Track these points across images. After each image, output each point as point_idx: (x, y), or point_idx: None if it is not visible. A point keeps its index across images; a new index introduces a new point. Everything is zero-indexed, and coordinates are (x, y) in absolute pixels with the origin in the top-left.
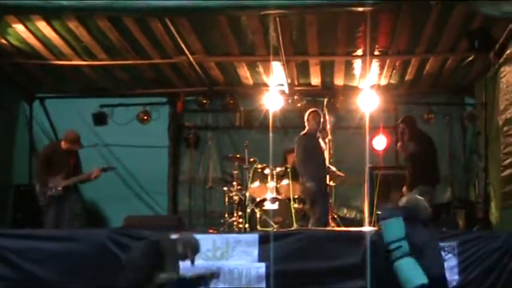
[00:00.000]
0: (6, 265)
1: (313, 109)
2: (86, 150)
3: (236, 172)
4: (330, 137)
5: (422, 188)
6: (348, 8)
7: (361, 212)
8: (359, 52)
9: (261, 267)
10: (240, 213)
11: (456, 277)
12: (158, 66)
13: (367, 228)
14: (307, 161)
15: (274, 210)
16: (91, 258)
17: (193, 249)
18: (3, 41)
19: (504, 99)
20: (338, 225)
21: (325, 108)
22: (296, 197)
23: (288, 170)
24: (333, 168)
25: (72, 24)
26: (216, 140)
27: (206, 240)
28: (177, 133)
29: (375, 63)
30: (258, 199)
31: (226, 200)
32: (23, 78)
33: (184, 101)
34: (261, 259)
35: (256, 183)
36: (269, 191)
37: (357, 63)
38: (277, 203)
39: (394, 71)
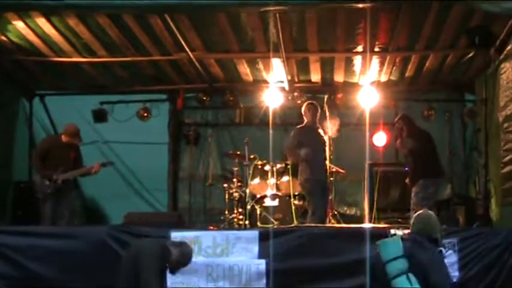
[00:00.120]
0: (6, 262)
1: (309, 101)
2: (86, 147)
3: (236, 169)
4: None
5: (424, 182)
6: (348, 5)
7: (361, 208)
8: (359, 49)
9: (261, 264)
10: (240, 210)
11: (456, 273)
12: (158, 63)
13: (367, 225)
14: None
15: (274, 207)
16: (91, 256)
17: (187, 262)
18: (3, 38)
19: (504, 96)
20: (338, 222)
21: (325, 105)
22: (296, 193)
23: (288, 166)
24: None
25: (72, 21)
26: (216, 137)
27: (206, 237)
28: (177, 130)
29: (375, 60)
30: (258, 196)
31: (227, 196)
32: (22, 75)
33: (184, 98)
34: (261, 256)
35: (257, 180)
36: (269, 188)
37: (357, 60)
38: (277, 199)
39: (394, 68)
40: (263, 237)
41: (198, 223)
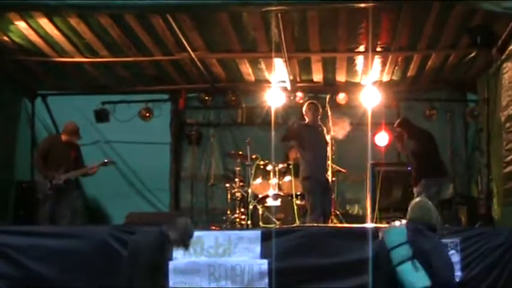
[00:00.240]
0: (8, 262)
1: (310, 101)
2: (88, 147)
3: (238, 169)
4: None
5: (426, 181)
6: (350, 4)
7: (363, 208)
8: (361, 48)
9: (263, 264)
10: (242, 209)
11: (459, 273)
12: (160, 63)
13: (369, 225)
14: (305, 151)
15: (276, 207)
16: (92, 256)
17: (189, 234)
18: (5, 38)
19: (506, 96)
20: (340, 222)
21: (327, 105)
22: (298, 193)
23: (290, 166)
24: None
25: (74, 21)
26: (218, 137)
27: (208, 237)
28: (179, 130)
29: (377, 60)
30: (260, 196)
31: (229, 196)
32: (24, 75)
33: (186, 98)
34: (263, 256)
35: (259, 180)
36: (271, 188)
37: (359, 60)
38: (279, 199)
39: (396, 68)
40: (265, 237)
41: (200, 223)
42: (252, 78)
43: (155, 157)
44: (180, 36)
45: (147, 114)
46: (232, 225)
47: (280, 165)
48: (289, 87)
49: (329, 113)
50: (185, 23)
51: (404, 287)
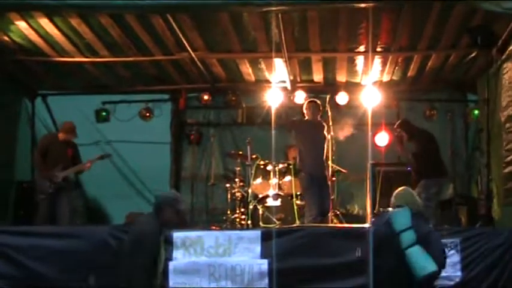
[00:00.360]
0: (8, 262)
1: (310, 99)
2: (88, 146)
3: (238, 169)
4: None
5: (426, 182)
6: (350, 4)
7: (364, 208)
8: (361, 48)
9: (264, 264)
10: (242, 209)
11: (459, 273)
12: (160, 63)
13: (369, 225)
14: (302, 145)
15: (276, 207)
16: (92, 256)
17: (179, 203)
18: (6, 38)
19: (506, 96)
20: (340, 222)
21: (327, 105)
22: (298, 193)
23: (290, 166)
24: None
25: (74, 21)
26: (218, 137)
27: (208, 237)
28: (179, 130)
29: (377, 60)
30: (260, 196)
31: (229, 196)
32: (25, 75)
33: (186, 98)
34: (263, 256)
35: (259, 180)
36: (271, 188)
37: (359, 60)
38: (279, 199)
39: (396, 68)
40: (265, 237)
41: (200, 223)
42: (252, 78)
43: (155, 157)
44: (180, 36)
45: (148, 114)
46: (233, 225)
47: (280, 165)
48: (289, 87)
49: (329, 113)
50: (185, 23)
51: (415, 270)
